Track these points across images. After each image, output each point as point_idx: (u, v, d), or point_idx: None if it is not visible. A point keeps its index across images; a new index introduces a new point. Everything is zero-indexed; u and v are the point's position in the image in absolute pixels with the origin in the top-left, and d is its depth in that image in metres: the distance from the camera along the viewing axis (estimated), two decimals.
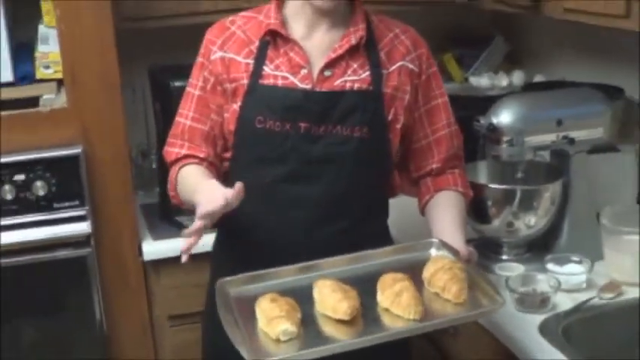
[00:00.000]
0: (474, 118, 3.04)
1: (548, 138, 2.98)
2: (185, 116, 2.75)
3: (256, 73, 2.61)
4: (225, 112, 2.66)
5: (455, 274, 2.36)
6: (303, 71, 2.59)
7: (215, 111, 2.70)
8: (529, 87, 3.78)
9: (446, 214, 2.69)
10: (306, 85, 2.58)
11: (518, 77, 3.98)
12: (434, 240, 2.58)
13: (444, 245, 2.53)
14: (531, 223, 2.98)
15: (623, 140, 3.25)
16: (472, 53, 4.22)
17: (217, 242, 2.83)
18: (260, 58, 2.62)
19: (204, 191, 2.43)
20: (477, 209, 3.00)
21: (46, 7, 3.34)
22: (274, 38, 2.63)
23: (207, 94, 2.71)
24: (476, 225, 3.06)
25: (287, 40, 2.61)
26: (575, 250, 2.90)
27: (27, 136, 3.25)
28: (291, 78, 2.59)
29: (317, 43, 2.63)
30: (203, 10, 3.62)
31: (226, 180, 2.65)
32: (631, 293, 2.74)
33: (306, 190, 2.58)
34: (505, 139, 2.95)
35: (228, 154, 2.70)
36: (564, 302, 2.70)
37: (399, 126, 2.67)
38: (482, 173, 3.20)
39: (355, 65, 2.61)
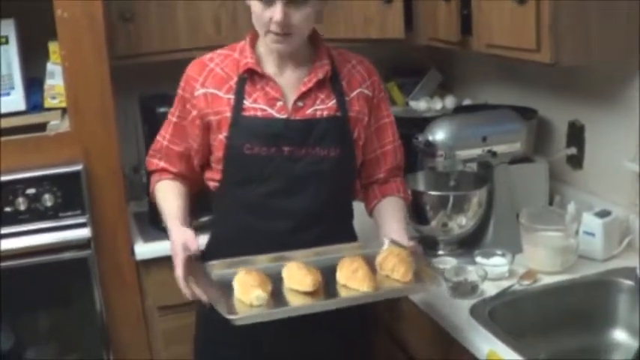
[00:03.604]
0: (414, 136, 3.06)
1: (475, 152, 3.01)
2: (163, 137, 2.75)
3: (238, 106, 2.56)
4: (212, 141, 2.62)
5: (402, 258, 2.39)
6: (279, 103, 2.56)
7: (191, 137, 2.67)
8: (459, 109, 3.81)
9: (393, 217, 2.67)
10: (282, 115, 2.55)
11: (450, 101, 4.00)
12: (386, 239, 2.56)
13: (394, 242, 2.52)
14: (462, 223, 3.01)
15: (536, 153, 3.31)
16: (411, 81, 4.23)
17: (208, 248, 2.76)
18: (239, 93, 2.58)
19: (173, 242, 2.46)
20: (416, 213, 3.02)
21: (52, 47, 3.35)
22: (251, 75, 2.58)
23: (185, 123, 2.67)
24: (416, 226, 3.08)
25: (262, 76, 2.57)
26: (499, 245, 2.93)
27: (36, 156, 3.23)
28: (269, 110, 2.56)
29: (288, 78, 2.61)
30: (182, 48, 3.65)
31: (217, 197, 2.69)
32: (545, 280, 2.78)
33: (289, 203, 2.57)
34: (439, 153, 2.97)
35: (217, 176, 2.65)
36: (490, 289, 2.73)
37: (361, 143, 2.67)
38: (420, 182, 3.21)
39: (322, 96, 2.59)
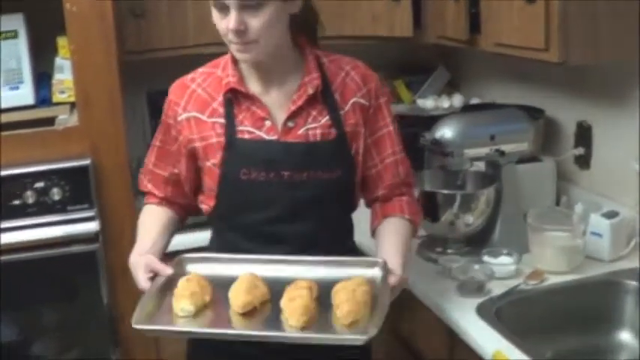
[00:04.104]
0: (421, 134, 3.06)
1: (483, 151, 3.00)
2: (149, 161, 2.63)
3: (231, 129, 2.40)
4: (202, 168, 2.48)
5: (353, 297, 2.15)
6: (267, 123, 2.39)
7: (178, 164, 2.54)
8: (467, 108, 3.80)
9: (389, 240, 2.47)
10: (272, 137, 2.39)
11: (457, 100, 4.00)
12: (372, 259, 2.41)
13: (381, 265, 2.33)
14: (469, 222, 2.99)
15: (544, 152, 3.30)
16: (419, 80, 4.22)
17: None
18: (230, 115, 2.41)
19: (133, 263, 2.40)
20: (424, 211, 3.01)
21: (61, 42, 3.35)
22: (235, 95, 2.41)
23: (171, 149, 2.54)
24: (424, 224, 3.07)
25: (247, 95, 2.40)
26: (506, 245, 2.92)
27: (45, 150, 3.24)
28: (257, 132, 2.39)
29: (275, 96, 2.43)
30: (190, 44, 3.65)
31: (212, 221, 2.58)
32: (552, 280, 2.77)
33: (289, 229, 2.42)
34: (447, 151, 2.98)
35: (210, 202, 2.49)
36: (497, 288, 2.72)
37: (360, 158, 2.49)
38: (427, 181, 3.20)
39: (314, 113, 2.42)
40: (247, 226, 2.46)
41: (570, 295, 2.72)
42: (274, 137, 2.39)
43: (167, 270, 2.35)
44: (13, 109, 3.34)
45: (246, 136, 2.40)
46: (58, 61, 3.39)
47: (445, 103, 3.99)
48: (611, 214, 2.88)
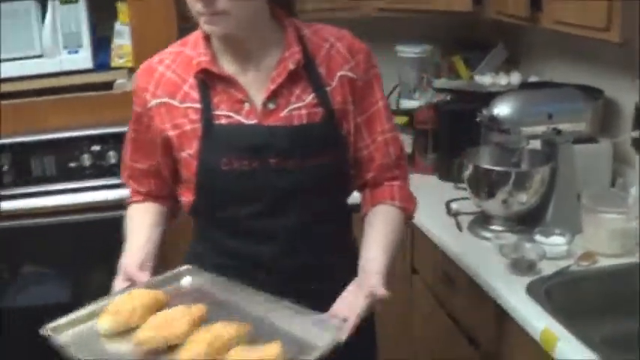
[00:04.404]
0: (478, 111, 3.05)
1: (540, 129, 2.99)
2: (126, 155, 2.40)
3: (207, 114, 2.17)
4: (177, 159, 2.25)
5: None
6: (246, 106, 2.16)
7: (155, 154, 2.30)
8: (524, 86, 3.78)
9: (375, 235, 2.22)
10: (251, 121, 2.15)
11: (515, 77, 3.96)
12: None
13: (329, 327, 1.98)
14: (523, 200, 2.97)
15: (601, 133, 3.27)
16: (478, 56, 4.20)
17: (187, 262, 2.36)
18: (204, 100, 2.17)
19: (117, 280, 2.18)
20: (477, 187, 3.01)
21: (121, 8, 3.38)
22: (208, 75, 2.17)
23: (144, 138, 2.30)
24: (477, 201, 3.07)
25: (221, 76, 2.17)
26: (559, 225, 2.90)
27: (102, 113, 3.28)
28: (235, 115, 2.16)
29: (252, 74, 2.19)
30: None
31: (193, 216, 2.34)
32: (604, 262, 2.75)
33: (279, 223, 2.19)
34: (503, 128, 2.96)
35: (189, 195, 2.27)
36: (548, 268, 2.70)
37: (351, 138, 2.26)
38: (483, 157, 3.17)
39: (298, 91, 2.18)
40: (232, 221, 2.23)
41: (622, 278, 2.69)
42: (254, 121, 2.16)
43: (142, 277, 2.14)
44: (72, 72, 3.38)
45: (224, 121, 2.17)
46: (118, 26, 3.43)
47: (503, 80, 3.96)
48: None
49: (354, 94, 2.25)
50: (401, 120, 3.83)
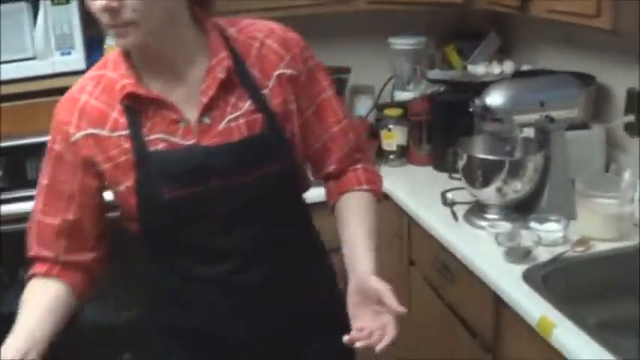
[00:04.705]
0: (471, 101, 3.06)
1: (533, 117, 2.98)
2: (36, 207, 2.10)
3: (139, 142, 1.99)
4: (113, 195, 2.08)
5: None
6: (181, 125, 1.99)
7: (73, 206, 2.06)
8: (517, 74, 3.78)
9: (354, 228, 2.14)
10: (189, 141, 1.99)
11: (508, 66, 3.97)
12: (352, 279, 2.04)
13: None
14: (517, 188, 2.98)
15: (594, 119, 3.28)
16: (470, 45, 4.20)
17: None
18: (134, 126, 1.99)
19: None
20: (472, 177, 3.02)
21: None
22: (135, 99, 1.98)
23: (65, 185, 2.05)
24: (471, 190, 3.08)
25: (149, 97, 1.98)
26: (554, 211, 2.91)
27: None
28: (171, 138, 1.99)
29: (181, 89, 2.02)
30: (244, 8, 3.60)
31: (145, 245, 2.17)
32: (599, 247, 2.76)
33: (234, 241, 2.06)
34: (496, 117, 2.97)
35: (134, 225, 2.08)
36: (544, 254, 2.71)
37: (297, 140, 2.13)
38: (477, 146, 3.18)
39: (233, 99, 2.02)
40: (185, 247, 2.09)
41: (617, 262, 2.71)
42: (193, 140, 2.00)
43: None
44: (65, 74, 3.37)
45: (160, 146, 2.00)
46: None
47: (496, 69, 3.97)
48: None
49: (297, 91, 2.12)
50: (395, 112, 3.85)
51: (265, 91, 2.06)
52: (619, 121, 3.26)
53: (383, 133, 3.85)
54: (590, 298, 2.60)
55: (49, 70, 3.40)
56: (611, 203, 2.78)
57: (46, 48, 3.36)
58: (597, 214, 2.79)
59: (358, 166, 2.25)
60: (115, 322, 3.45)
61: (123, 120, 2.00)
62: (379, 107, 4.02)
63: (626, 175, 2.87)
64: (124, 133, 1.99)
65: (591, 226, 2.81)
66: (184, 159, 1.99)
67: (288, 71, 2.09)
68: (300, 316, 2.18)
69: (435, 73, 4.06)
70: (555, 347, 2.28)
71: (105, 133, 2.00)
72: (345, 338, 1.93)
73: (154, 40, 1.93)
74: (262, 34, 2.10)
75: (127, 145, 1.99)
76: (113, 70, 2.02)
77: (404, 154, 3.85)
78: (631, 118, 3.20)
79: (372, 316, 1.97)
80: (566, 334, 2.27)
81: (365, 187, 2.23)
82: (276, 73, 2.07)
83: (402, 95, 4.04)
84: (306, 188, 2.27)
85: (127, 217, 2.09)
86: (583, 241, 2.77)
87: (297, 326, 2.19)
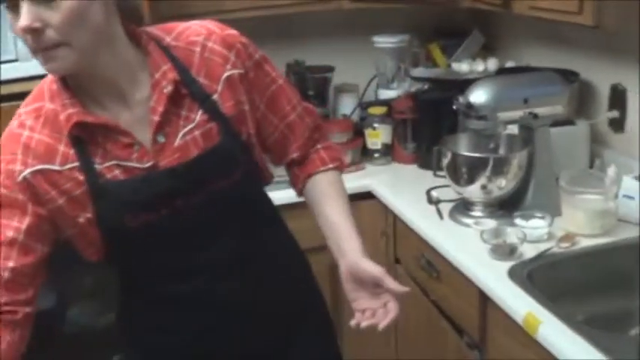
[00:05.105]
0: (455, 98, 3.06)
1: (517, 114, 3.00)
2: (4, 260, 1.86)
3: (91, 174, 1.86)
4: (73, 229, 1.94)
5: None
6: (136, 148, 1.89)
7: (13, 251, 1.86)
8: (501, 71, 3.79)
9: (331, 209, 2.13)
10: (147, 163, 1.89)
11: (492, 63, 3.97)
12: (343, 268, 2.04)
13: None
14: (502, 185, 2.98)
15: (578, 116, 3.29)
16: (454, 43, 4.20)
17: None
18: (84, 157, 1.86)
19: None
20: (457, 174, 3.02)
21: None
22: (83, 128, 1.85)
23: (8, 230, 1.85)
24: (456, 188, 3.08)
25: (98, 124, 1.86)
26: (538, 208, 2.91)
27: None
28: (128, 163, 1.89)
29: (130, 110, 1.91)
30: (227, 9, 3.61)
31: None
32: (584, 243, 2.76)
33: (208, 256, 2.00)
34: (481, 115, 2.98)
35: (99, 255, 2.00)
36: (529, 251, 2.71)
37: (254, 139, 2.07)
38: (461, 144, 3.17)
39: (184, 112, 1.93)
40: (156, 269, 2.02)
41: (602, 258, 2.71)
42: (150, 162, 1.90)
43: None
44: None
45: (117, 172, 1.89)
46: None
47: (480, 66, 3.98)
48: None
49: (248, 89, 2.05)
50: (380, 110, 3.84)
51: (215, 97, 1.97)
52: (603, 117, 3.27)
53: (367, 131, 3.85)
54: (576, 294, 2.61)
55: (32, 72, 3.38)
56: (596, 199, 2.79)
57: (28, 50, 3.34)
58: (582, 210, 2.80)
59: (319, 146, 2.24)
60: (104, 324, 3.44)
61: (72, 152, 1.87)
62: (363, 106, 4.02)
63: (611, 171, 2.88)
64: (75, 164, 1.87)
65: (576, 222, 2.81)
66: (144, 185, 1.90)
67: (236, 71, 2.01)
68: (281, 320, 2.17)
69: (419, 71, 4.06)
70: (541, 344, 2.28)
71: (55, 167, 1.86)
72: (352, 322, 1.94)
73: (90, 63, 1.80)
74: (201, 37, 2.00)
75: (81, 177, 1.88)
76: (51, 100, 1.89)
77: (389, 153, 3.85)
78: (615, 114, 3.22)
79: (371, 297, 1.98)
80: (552, 330, 2.27)
81: (330, 165, 2.22)
82: (224, 76, 1.99)
83: (386, 94, 4.04)
84: (268, 180, 2.22)
85: (89, 247, 1.98)
86: (568, 237, 2.77)
87: (280, 330, 2.18)
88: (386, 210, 3.47)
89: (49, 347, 2.04)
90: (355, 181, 3.56)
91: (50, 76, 1.90)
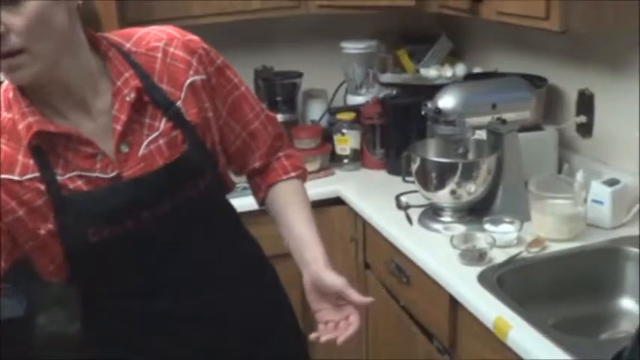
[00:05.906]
0: (423, 104, 3.07)
1: (485, 119, 3.01)
2: None
3: (53, 184, 1.80)
4: (35, 243, 1.87)
5: None
6: (99, 158, 1.83)
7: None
8: (469, 77, 3.80)
9: (295, 221, 2.10)
10: (111, 174, 1.84)
11: (460, 69, 3.98)
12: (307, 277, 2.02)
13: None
14: (471, 190, 2.98)
15: (546, 121, 3.30)
16: (422, 49, 4.20)
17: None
18: (45, 168, 1.80)
19: None
20: (425, 180, 3.02)
21: None
22: (43, 137, 1.79)
23: None
24: (425, 193, 3.08)
25: (60, 133, 1.80)
26: (508, 213, 2.92)
27: None
28: (90, 174, 1.82)
29: (92, 119, 1.85)
30: (193, 14, 3.60)
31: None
32: (553, 247, 2.77)
33: (176, 271, 1.96)
34: (449, 120, 2.98)
35: (61, 274, 1.93)
36: (499, 256, 2.72)
37: (218, 147, 2.05)
38: (430, 149, 3.17)
39: (147, 120, 1.88)
40: (121, 286, 1.97)
41: (571, 262, 2.72)
42: (114, 173, 1.85)
43: None
44: None
45: (80, 183, 1.83)
46: None
47: (448, 72, 3.98)
48: (612, 182, 2.88)
49: (211, 95, 2.01)
50: (348, 116, 3.84)
51: (179, 103, 1.92)
52: (571, 122, 3.29)
53: (336, 137, 3.84)
54: (546, 299, 2.62)
55: None
56: (565, 204, 2.80)
57: None
58: (551, 215, 2.80)
59: (280, 154, 2.21)
60: (73, 331, 3.41)
61: (32, 162, 1.80)
62: (332, 111, 4.01)
63: (579, 176, 2.90)
64: (36, 175, 1.81)
65: (545, 226, 2.82)
66: (108, 197, 1.84)
67: (199, 77, 1.96)
68: (248, 331, 2.14)
69: (387, 77, 4.06)
70: (512, 348, 2.29)
71: (15, 177, 1.80)
72: (312, 336, 1.93)
73: (53, 72, 1.76)
74: (162, 42, 1.95)
75: (42, 187, 1.81)
76: (7, 110, 1.82)
77: (358, 158, 3.85)
78: (582, 119, 3.23)
79: (334, 309, 1.98)
80: (522, 335, 2.28)
81: (292, 174, 2.19)
82: (187, 82, 1.94)
83: (355, 99, 4.03)
84: (230, 188, 2.18)
85: (50, 263, 1.91)
86: (537, 242, 2.78)
87: (248, 341, 2.14)
88: (355, 215, 3.47)
89: (19, 356, 2.01)
90: (324, 186, 3.57)
91: (5, 85, 1.83)
